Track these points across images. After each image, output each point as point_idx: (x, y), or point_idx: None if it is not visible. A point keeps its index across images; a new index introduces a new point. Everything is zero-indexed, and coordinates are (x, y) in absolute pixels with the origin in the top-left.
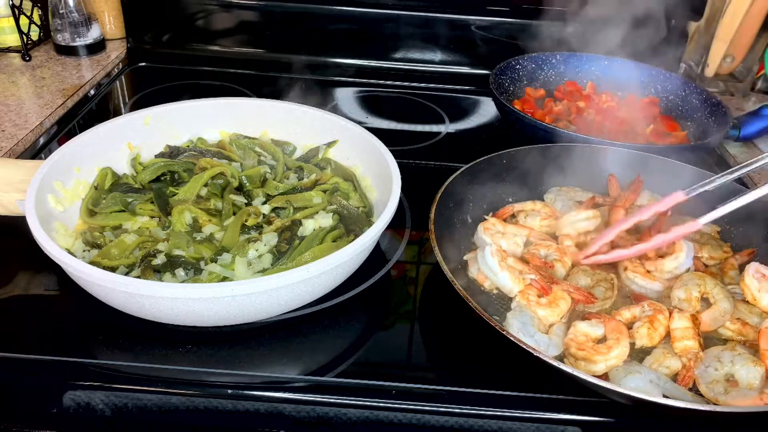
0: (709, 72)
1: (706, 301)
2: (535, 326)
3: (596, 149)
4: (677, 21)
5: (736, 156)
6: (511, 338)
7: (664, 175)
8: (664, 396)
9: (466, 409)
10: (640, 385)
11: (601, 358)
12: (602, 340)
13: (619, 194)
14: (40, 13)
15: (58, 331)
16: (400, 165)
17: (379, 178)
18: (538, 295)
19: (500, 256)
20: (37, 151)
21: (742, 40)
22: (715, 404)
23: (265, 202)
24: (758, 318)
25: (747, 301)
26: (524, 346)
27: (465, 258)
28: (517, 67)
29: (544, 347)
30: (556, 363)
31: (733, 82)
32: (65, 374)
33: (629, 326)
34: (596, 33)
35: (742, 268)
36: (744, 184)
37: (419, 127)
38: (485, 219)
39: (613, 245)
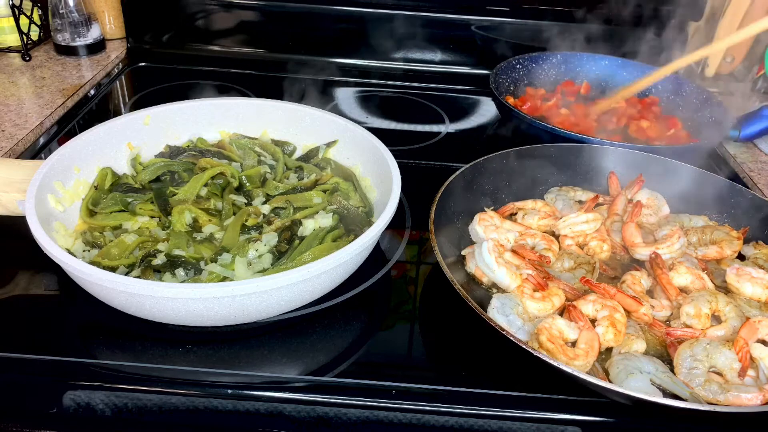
0: (710, 72)
1: (716, 319)
2: (515, 310)
3: (596, 149)
4: (677, 21)
5: (736, 156)
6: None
7: (664, 175)
8: (663, 393)
9: (466, 409)
10: (641, 386)
11: (564, 359)
12: (574, 342)
13: (619, 192)
14: (40, 13)
15: (58, 331)
16: (400, 165)
17: (379, 178)
18: (534, 290)
19: (497, 251)
20: (37, 151)
21: (742, 40)
22: (715, 404)
23: (265, 202)
24: (757, 311)
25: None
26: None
27: (463, 253)
28: (517, 66)
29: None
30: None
31: (733, 82)
32: (65, 374)
33: (592, 320)
34: (597, 33)
35: (741, 257)
36: (744, 185)
37: (419, 127)
38: (484, 210)
39: None
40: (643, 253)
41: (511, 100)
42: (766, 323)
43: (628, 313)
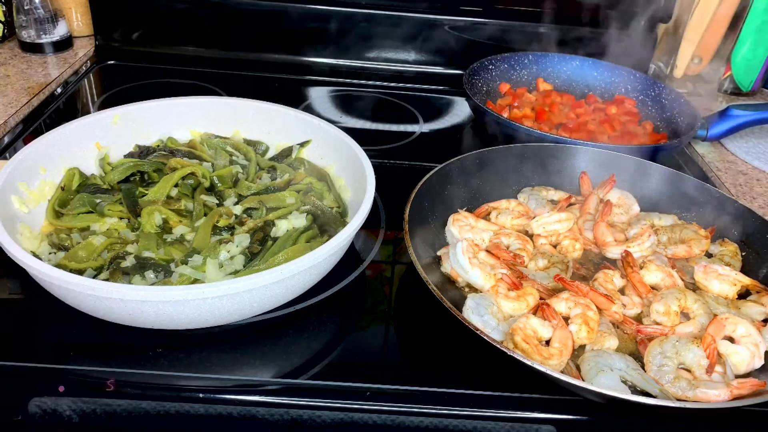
0: (678, 73)
1: (685, 316)
2: (490, 309)
3: (568, 149)
4: (647, 23)
5: (704, 155)
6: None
7: (633, 174)
8: (634, 390)
9: (441, 409)
10: (611, 383)
11: (539, 359)
12: (548, 340)
13: (591, 192)
14: (4, 9)
15: (23, 336)
16: (374, 165)
17: (354, 177)
18: (508, 289)
19: (471, 252)
20: (1, 150)
21: (709, 42)
22: (684, 401)
23: (237, 203)
24: (725, 308)
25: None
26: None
27: (438, 253)
28: (490, 67)
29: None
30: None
31: (701, 82)
32: (31, 380)
33: (565, 318)
34: (568, 34)
35: (709, 255)
36: (712, 184)
37: (393, 127)
38: (457, 211)
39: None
40: (614, 251)
41: (484, 100)
42: (733, 320)
43: (600, 310)
